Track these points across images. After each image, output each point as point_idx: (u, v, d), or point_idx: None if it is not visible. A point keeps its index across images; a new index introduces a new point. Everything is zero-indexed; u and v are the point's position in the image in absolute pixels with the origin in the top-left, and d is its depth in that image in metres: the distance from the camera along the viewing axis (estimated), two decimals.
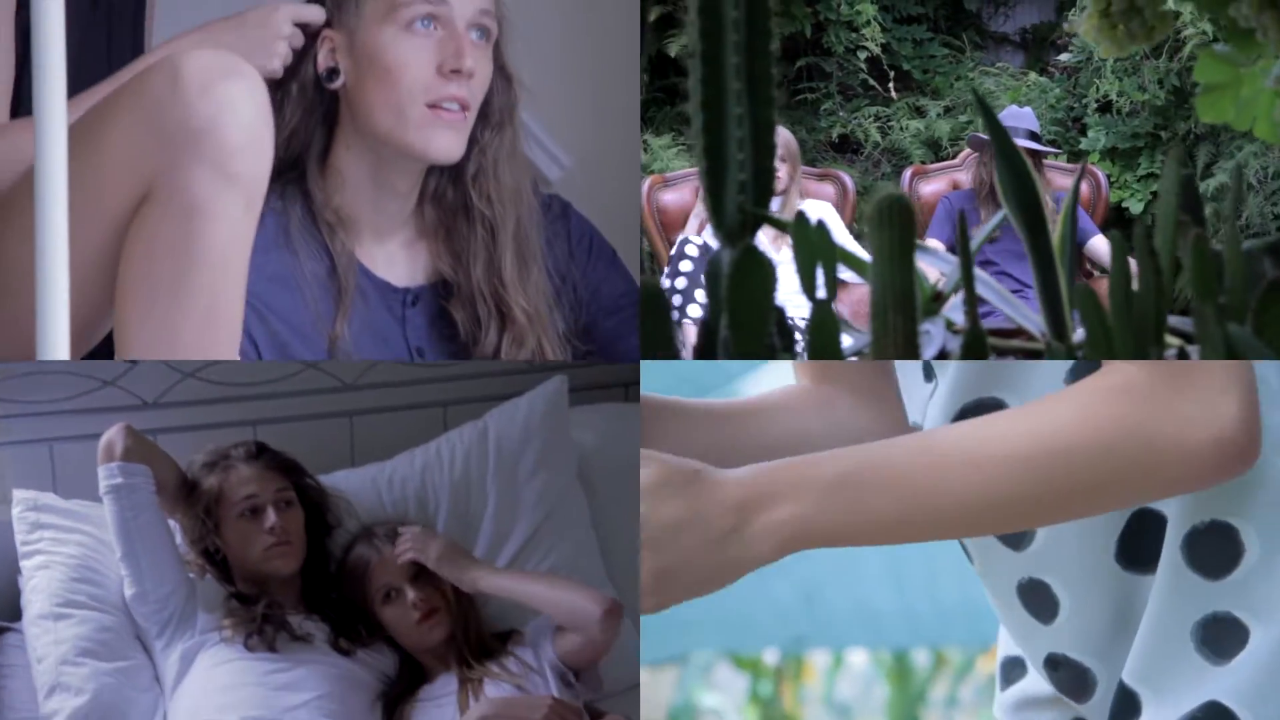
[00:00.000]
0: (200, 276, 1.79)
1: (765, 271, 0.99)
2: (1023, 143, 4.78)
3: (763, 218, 1.01)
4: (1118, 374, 1.09)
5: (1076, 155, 6.02)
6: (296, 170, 2.09)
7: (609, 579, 2.44)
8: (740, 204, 1.00)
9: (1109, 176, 5.86)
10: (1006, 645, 1.38)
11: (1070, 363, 1.18)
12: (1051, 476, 1.08)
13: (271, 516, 2.23)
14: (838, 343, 1.01)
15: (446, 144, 2.06)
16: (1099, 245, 4.88)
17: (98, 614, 2.22)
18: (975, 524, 1.13)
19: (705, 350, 1.00)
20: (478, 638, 2.25)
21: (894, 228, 0.98)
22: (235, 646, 2.18)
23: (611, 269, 2.28)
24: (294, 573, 2.27)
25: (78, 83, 1.90)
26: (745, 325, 0.99)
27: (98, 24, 2.08)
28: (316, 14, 2.07)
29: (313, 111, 2.09)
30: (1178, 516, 1.20)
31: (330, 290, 2.08)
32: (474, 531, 2.41)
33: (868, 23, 6.26)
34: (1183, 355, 1.06)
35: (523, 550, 2.41)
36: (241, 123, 1.77)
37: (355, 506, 2.39)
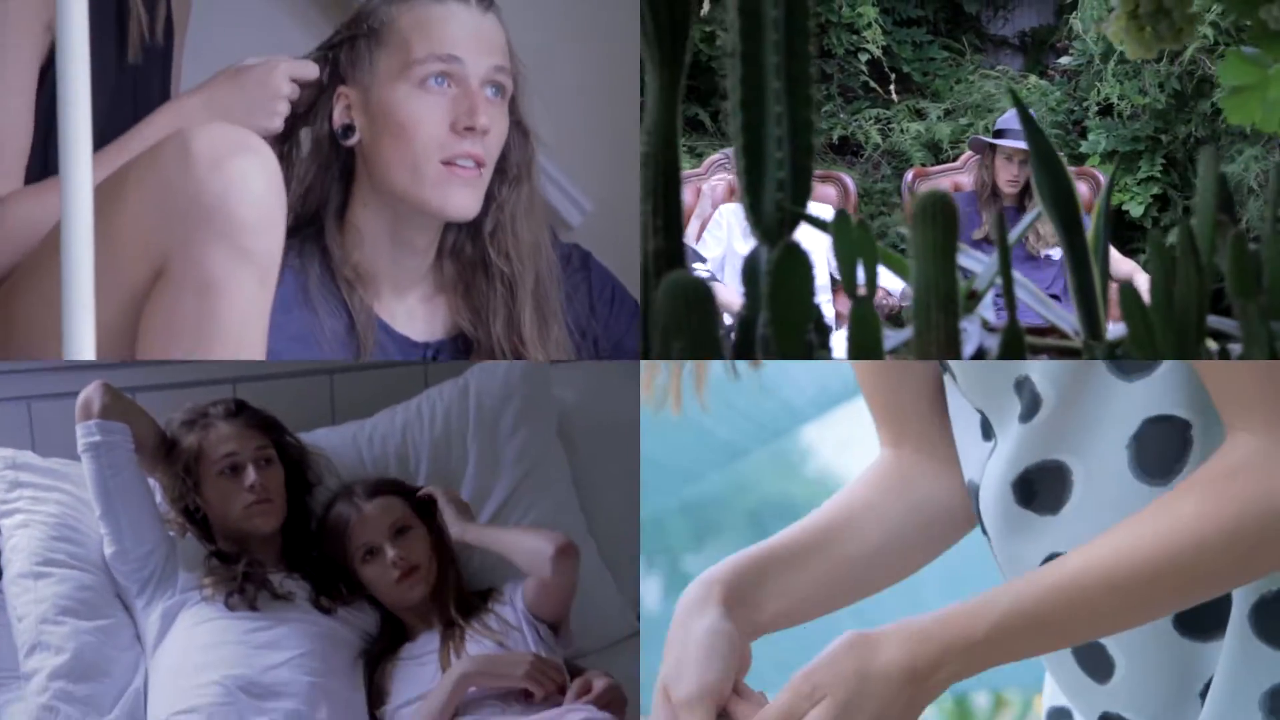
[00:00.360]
0: (217, 353, 1.78)
1: (805, 270, 0.99)
2: (1023, 145, 4.77)
3: (801, 216, 1.00)
4: (1236, 451, 1.11)
5: (1077, 159, 5.99)
6: (314, 227, 2.08)
7: (590, 535, 2.44)
8: (779, 202, 1.00)
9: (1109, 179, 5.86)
10: (1053, 695, 1.38)
11: (1136, 422, 1.18)
12: (1187, 575, 1.11)
13: (251, 474, 2.23)
14: (880, 340, 1.01)
15: (462, 201, 2.04)
16: None
17: (78, 572, 2.22)
18: (1114, 629, 1.19)
19: (741, 349, 1.00)
20: (458, 595, 2.25)
21: (937, 226, 0.97)
22: (216, 605, 2.18)
23: (634, 321, 2.25)
24: (274, 531, 2.27)
25: (104, 146, 1.89)
26: (785, 323, 0.99)
27: (124, 88, 2.06)
28: (312, 70, 2.06)
29: (328, 168, 2.07)
30: (1246, 586, 1.19)
31: (350, 346, 2.07)
32: (455, 489, 2.41)
33: (868, 25, 6.23)
34: (1224, 355, 1.06)
35: (503, 507, 2.42)
36: (253, 198, 1.76)
37: (335, 464, 2.39)
